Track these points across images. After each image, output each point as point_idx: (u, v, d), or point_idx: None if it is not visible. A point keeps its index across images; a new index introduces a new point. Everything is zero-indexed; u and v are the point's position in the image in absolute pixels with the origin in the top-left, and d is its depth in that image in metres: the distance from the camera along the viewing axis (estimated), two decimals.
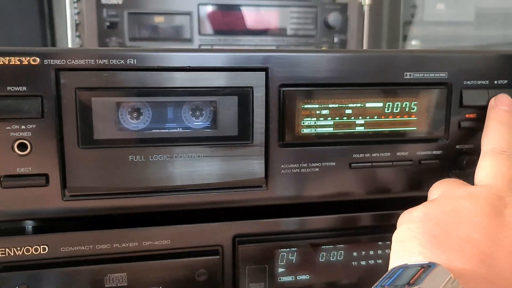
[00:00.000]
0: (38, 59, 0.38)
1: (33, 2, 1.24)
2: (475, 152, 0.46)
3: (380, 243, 0.48)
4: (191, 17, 1.06)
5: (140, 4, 1.05)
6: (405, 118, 0.46)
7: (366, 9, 1.17)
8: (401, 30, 1.36)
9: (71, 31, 1.06)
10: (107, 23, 1.03)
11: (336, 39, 1.13)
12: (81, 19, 1.06)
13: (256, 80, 0.42)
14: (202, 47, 1.06)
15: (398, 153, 0.46)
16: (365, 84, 0.44)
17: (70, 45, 1.05)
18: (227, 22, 1.08)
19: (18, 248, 0.40)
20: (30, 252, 0.40)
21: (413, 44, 1.32)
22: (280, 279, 0.46)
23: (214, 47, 1.05)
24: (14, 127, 0.38)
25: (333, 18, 1.11)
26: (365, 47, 1.18)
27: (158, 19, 1.05)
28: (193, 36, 1.06)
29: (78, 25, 1.06)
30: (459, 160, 0.47)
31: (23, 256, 0.40)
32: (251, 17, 1.09)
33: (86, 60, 0.38)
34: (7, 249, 0.39)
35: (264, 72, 0.42)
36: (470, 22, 1.26)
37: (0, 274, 0.39)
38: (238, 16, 1.09)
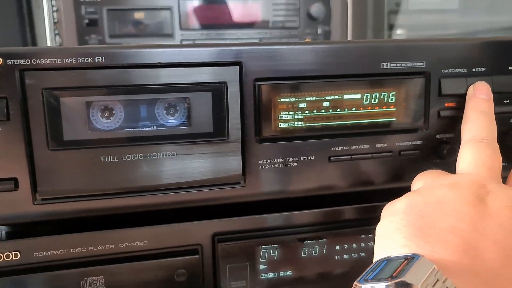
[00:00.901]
0: (0, 60, 0.36)
1: (11, 1, 1.22)
2: (456, 141, 0.46)
3: (363, 236, 0.47)
4: (172, 12, 1.04)
5: (119, 0, 1.03)
6: (384, 109, 0.45)
7: None
8: (386, 19, 1.35)
9: (49, 29, 1.04)
10: (86, 21, 1.01)
11: (319, 31, 1.12)
12: (59, 17, 1.04)
13: (229, 75, 0.41)
14: (184, 42, 1.04)
15: (377, 145, 0.45)
16: (342, 75, 0.43)
17: (49, 44, 1.03)
18: (209, 16, 1.07)
19: None
20: (2, 258, 0.39)
21: (399, 33, 1.31)
22: (262, 276, 0.46)
23: (196, 42, 1.04)
24: None
25: (315, 9, 1.10)
26: (349, 37, 1.17)
27: (138, 15, 1.03)
28: (174, 32, 1.05)
29: (56, 23, 1.04)
30: (439, 149, 0.46)
31: None
32: (234, 10, 1.08)
33: (52, 60, 0.37)
34: None
35: (238, 67, 0.41)
36: (455, 9, 1.25)
37: None
38: (220, 9, 1.08)
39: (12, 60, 0.36)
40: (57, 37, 1.04)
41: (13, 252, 0.39)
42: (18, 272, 0.39)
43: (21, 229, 0.41)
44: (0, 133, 0.37)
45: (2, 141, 0.37)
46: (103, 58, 0.38)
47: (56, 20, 1.04)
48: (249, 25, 1.09)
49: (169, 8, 1.04)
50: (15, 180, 0.38)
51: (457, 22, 1.24)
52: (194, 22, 1.06)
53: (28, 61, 0.37)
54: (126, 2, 1.03)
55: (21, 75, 0.37)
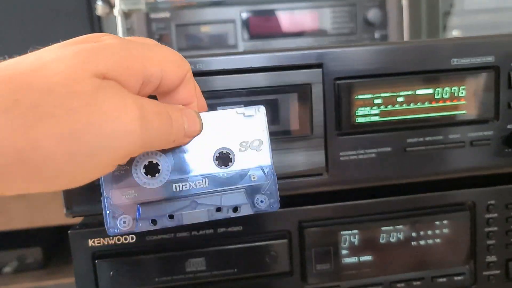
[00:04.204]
0: None
1: (84, 24, 1.32)
2: None
3: (438, 222, 0.50)
4: (235, 24, 1.10)
5: (186, 16, 1.10)
6: (455, 102, 0.48)
7: (404, 2, 1.18)
8: (440, 21, 1.36)
9: None
10: (157, 36, 1.09)
11: (376, 35, 1.15)
12: (132, 35, 1.12)
13: (313, 77, 0.46)
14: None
15: (450, 136, 0.48)
16: (414, 72, 0.47)
17: None
18: (269, 27, 1.13)
19: (111, 238, 0.45)
20: (121, 241, 0.45)
21: (454, 34, 1.31)
22: (344, 260, 0.49)
23: None
24: None
25: (372, 14, 1.13)
26: (406, 40, 1.19)
27: (204, 29, 1.10)
28: (238, 42, 1.11)
29: None
30: (510, 139, 0.49)
31: (115, 245, 0.45)
32: (293, 20, 1.13)
33: None
34: (101, 239, 0.45)
35: (321, 69, 0.45)
36: None
37: (97, 261, 0.44)
38: (279, 20, 1.13)
39: None
40: None
41: (130, 236, 0.45)
42: (136, 253, 0.45)
43: None
44: None
45: None
46: (201, 65, 0.44)
47: None
48: (309, 33, 1.13)
49: (232, 21, 1.11)
50: None
51: None
52: (256, 33, 1.12)
53: None
54: (193, 18, 1.11)
55: None
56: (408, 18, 1.20)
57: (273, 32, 1.13)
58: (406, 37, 1.19)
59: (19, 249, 1.04)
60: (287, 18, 1.13)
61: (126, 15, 1.13)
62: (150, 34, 1.09)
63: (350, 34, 1.14)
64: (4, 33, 1.06)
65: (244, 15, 1.11)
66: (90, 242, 0.45)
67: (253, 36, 1.13)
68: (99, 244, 0.45)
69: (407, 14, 1.20)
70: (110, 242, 0.45)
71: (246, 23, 1.12)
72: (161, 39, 1.10)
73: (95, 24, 1.33)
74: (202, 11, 1.11)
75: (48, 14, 1.26)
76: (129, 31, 1.13)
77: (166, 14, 1.10)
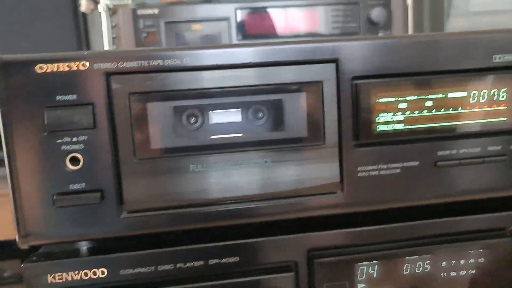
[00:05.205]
0: (87, 64, 0.34)
1: (69, 21, 1.25)
2: None
3: (472, 251, 0.42)
4: (229, 23, 1.02)
5: (176, 13, 1.02)
6: (494, 107, 0.40)
7: (409, 1, 1.11)
8: (445, 22, 1.29)
9: (108, 45, 1.05)
10: (144, 34, 1.01)
11: (380, 35, 1.07)
12: (118, 32, 1.04)
13: (325, 73, 0.37)
14: None
15: (489, 148, 0.40)
16: (447, 71, 0.39)
17: None
18: (267, 25, 1.05)
19: (76, 273, 0.36)
20: (88, 276, 0.36)
21: None
22: None
23: None
24: (65, 139, 0.35)
25: (376, 13, 1.06)
26: None
27: (196, 27, 1.02)
28: (232, 42, 1.03)
29: (114, 39, 1.04)
30: None
31: (81, 281, 0.36)
32: (292, 18, 1.05)
33: (139, 62, 0.35)
34: (64, 274, 0.36)
35: (334, 64, 0.37)
36: None
37: None
38: (278, 18, 1.05)
39: (99, 64, 0.34)
40: None
41: (100, 270, 0.36)
42: None
43: (105, 245, 0.39)
44: (86, 142, 0.35)
45: (88, 150, 0.35)
46: (191, 59, 0.36)
47: (114, 35, 1.04)
48: (309, 33, 1.06)
49: (226, 19, 1.02)
50: (101, 192, 0.35)
51: None
52: (251, 32, 1.04)
53: (114, 65, 0.34)
54: (183, 15, 1.02)
55: (107, 80, 0.35)
56: (413, 18, 1.13)
57: (271, 31, 1.05)
58: None
59: None
60: (285, 17, 1.05)
61: (112, 11, 1.04)
62: (137, 32, 1.01)
63: (352, 34, 1.07)
64: None
65: (239, 13, 1.03)
66: (50, 278, 0.36)
67: (249, 35, 1.04)
68: (60, 281, 0.36)
69: (411, 15, 1.13)
70: (75, 278, 0.36)
71: (241, 22, 1.03)
72: (148, 38, 1.01)
73: (80, 21, 1.26)
74: (193, 7, 1.03)
75: (32, 10, 1.21)
76: (114, 29, 1.05)
77: (154, 11, 1.02)
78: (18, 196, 0.35)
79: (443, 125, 0.40)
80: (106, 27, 1.05)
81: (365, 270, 0.41)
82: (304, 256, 0.40)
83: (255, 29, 1.04)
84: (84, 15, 1.22)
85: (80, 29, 1.27)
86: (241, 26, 1.04)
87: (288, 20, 1.05)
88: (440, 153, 0.40)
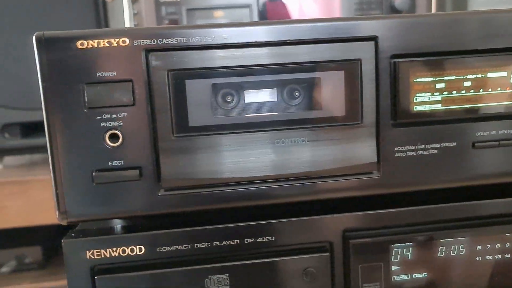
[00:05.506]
0: (127, 40, 0.34)
1: (90, 9, 1.25)
2: None
3: (509, 234, 0.41)
4: (251, 10, 1.02)
5: None
6: None
7: None
8: (468, 9, 1.28)
9: None
10: (166, 21, 1.01)
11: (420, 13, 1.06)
12: (139, 20, 1.04)
13: (364, 52, 0.37)
14: None
15: None
16: (488, 50, 0.38)
17: None
18: (288, 13, 1.04)
19: (114, 249, 0.36)
20: (126, 253, 0.37)
21: None
22: (394, 278, 0.41)
23: None
24: (104, 116, 0.35)
25: (400, 1, 1.04)
26: None
27: (217, 14, 1.01)
28: None
29: (136, 26, 1.04)
30: None
31: (119, 258, 0.36)
32: (313, 6, 1.04)
33: (178, 39, 0.35)
34: (102, 251, 0.36)
35: (373, 42, 0.37)
36: None
37: (97, 277, 0.36)
38: (299, 6, 1.05)
39: (139, 41, 0.34)
40: None
41: (137, 247, 0.36)
42: (143, 267, 0.36)
43: (142, 222, 0.39)
44: (126, 119, 0.35)
45: (127, 127, 0.35)
46: (230, 36, 0.35)
47: (136, 23, 1.04)
48: None
49: (248, 6, 1.02)
50: (139, 169, 0.35)
51: None
52: (272, 19, 1.03)
53: (154, 41, 0.34)
54: (205, 1, 1.02)
55: (146, 56, 0.35)
56: (436, 5, 1.12)
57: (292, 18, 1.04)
58: None
59: (18, 248, 0.97)
60: (308, 4, 1.04)
61: None
62: (158, 19, 1.01)
63: None
64: (8, 19, 0.98)
65: (261, 0, 1.03)
66: (88, 254, 0.36)
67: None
68: (99, 257, 0.36)
69: (435, 1, 1.11)
70: (113, 254, 0.36)
71: (263, 9, 1.03)
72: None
73: (100, 9, 1.26)
74: None
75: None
76: (136, 16, 1.05)
77: None
78: (58, 173, 0.35)
79: (482, 105, 0.39)
80: (127, 15, 1.05)
81: (399, 252, 0.40)
82: (340, 237, 0.39)
83: (277, 16, 1.04)
84: (104, 3, 1.22)
85: (100, 17, 1.27)
86: (262, 13, 1.03)
87: (310, 7, 1.05)
88: (478, 134, 0.39)
